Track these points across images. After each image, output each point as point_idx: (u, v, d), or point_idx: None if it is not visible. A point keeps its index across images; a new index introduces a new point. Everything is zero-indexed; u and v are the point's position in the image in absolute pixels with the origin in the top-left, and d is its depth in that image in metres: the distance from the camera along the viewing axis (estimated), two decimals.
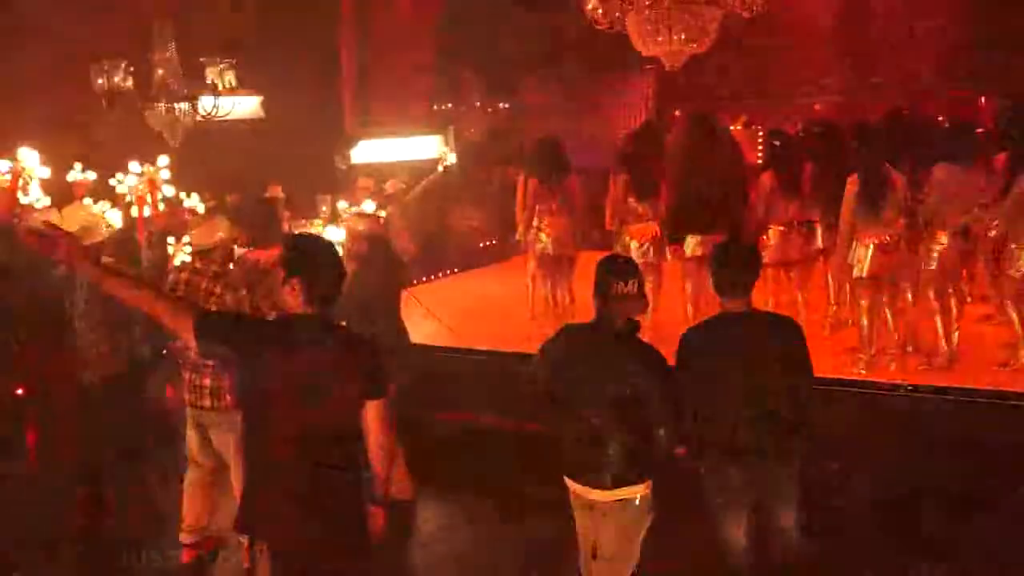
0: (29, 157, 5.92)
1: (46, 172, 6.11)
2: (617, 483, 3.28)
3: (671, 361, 3.47)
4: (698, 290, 6.50)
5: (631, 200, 6.68)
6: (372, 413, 2.93)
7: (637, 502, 3.30)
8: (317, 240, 3.15)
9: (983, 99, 9.25)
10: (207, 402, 4.33)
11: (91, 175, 6.80)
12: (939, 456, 4.98)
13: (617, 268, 3.34)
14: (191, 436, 4.49)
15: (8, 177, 5.84)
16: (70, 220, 5.94)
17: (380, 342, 4.87)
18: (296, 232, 4.94)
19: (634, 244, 6.70)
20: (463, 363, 6.66)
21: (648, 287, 6.71)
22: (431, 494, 5.34)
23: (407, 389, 4.93)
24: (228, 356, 2.92)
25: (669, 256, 6.86)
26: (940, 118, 6.64)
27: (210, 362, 4.19)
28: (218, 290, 4.27)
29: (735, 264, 3.48)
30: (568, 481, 3.42)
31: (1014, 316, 5.71)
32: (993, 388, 5.50)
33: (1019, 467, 4.76)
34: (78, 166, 7.34)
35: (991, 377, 5.67)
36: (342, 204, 7.69)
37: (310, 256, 2.88)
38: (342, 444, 2.89)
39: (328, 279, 2.88)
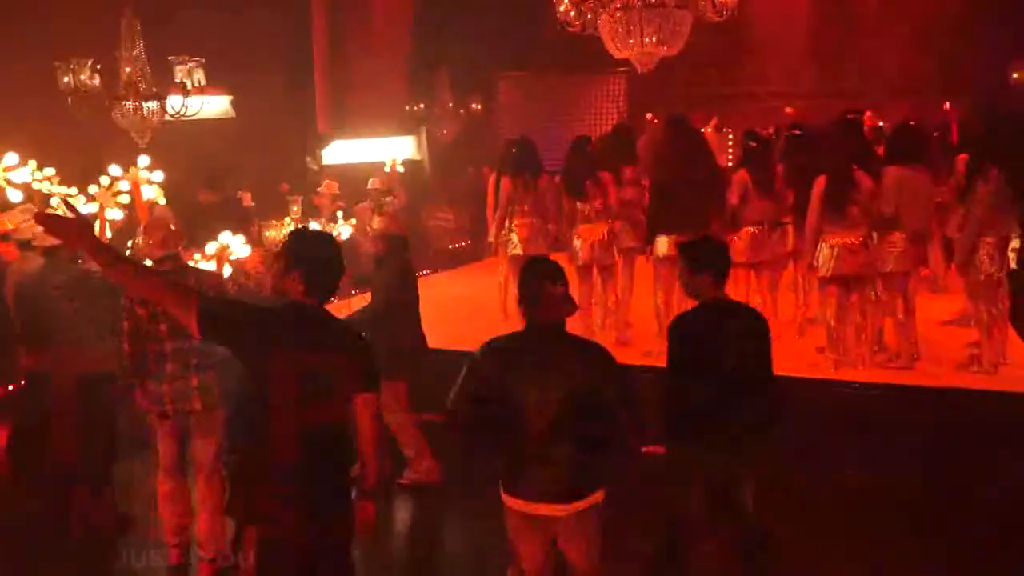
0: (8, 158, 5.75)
1: (25, 175, 5.94)
2: (577, 494, 3.10)
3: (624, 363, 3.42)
4: (669, 291, 6.54)
5: (579, 203, 6.72)
6: (364, 406, 2.93)
7: (599, 508, 3.17)
8: (318, 234, 3.24)
9: (947, 104, 9.41)
10: (196, 404, 4.19)
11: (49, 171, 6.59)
12: (905, 452, 5.07)
13: (545, 271, 3.17)
14: (169, 447, 4.30)
15: None
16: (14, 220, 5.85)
17: (399, 341, 4.93)
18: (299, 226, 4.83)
19: (578, 243, 6.74)
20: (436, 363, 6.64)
21: (600, 287, 6.89)
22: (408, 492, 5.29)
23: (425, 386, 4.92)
24: (230, 341, 2.88)
25: (617, 256, 6.89)
26: (911, 122, 6.74)
27: (195, 359, 4.13)
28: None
29: (712, 258, 3.60)
30: (514, 501, 3.16)
31: (984, 317, 5.82)
32: (957, 386, 5.60)
33: (983, 462, 4.86)
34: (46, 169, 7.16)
35: (956, 376, 5.77)
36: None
37: (311, 249, 2.95)
38: (335, 433, 2.90)
39: (329, 271, 2.93)
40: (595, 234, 6.73)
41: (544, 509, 3.11)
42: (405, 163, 10.37)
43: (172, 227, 4.37)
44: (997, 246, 5.70)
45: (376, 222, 5.28)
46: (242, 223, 6.35)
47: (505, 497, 3.18)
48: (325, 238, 3.19)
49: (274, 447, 2.85)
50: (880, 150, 6.53)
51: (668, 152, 6.59)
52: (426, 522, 5.16)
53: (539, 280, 3.13)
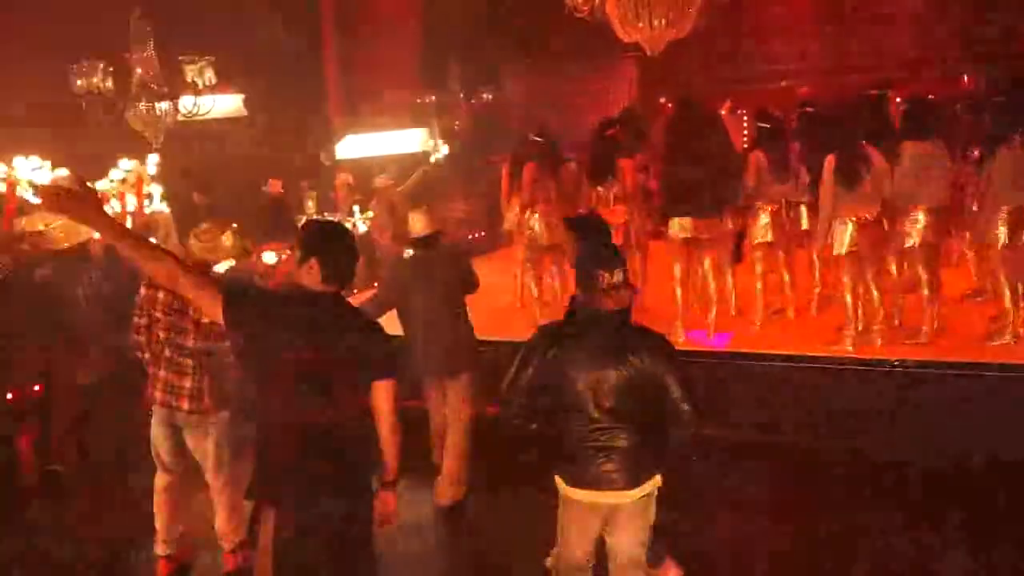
0: (22, 165, 5.78)
1: (44, 177, 5.98)
2: (639, 480, 3.10)
3: None
4: (686, 272, 6.52)
5: (600, 188, 6.71)
6: (382, 394, 2.94)
7: (656, 494, 3.16)
8: (333, 224, 3.32)
9: (966, 77, 9.26)
10: (184, 404, 4.17)
11: (63, 172, 6.65)
12: (928, 429, 5.03)
13: (601, 258, 3.17)
14: (160, 438, 4.27)
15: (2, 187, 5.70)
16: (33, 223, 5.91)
17: (446, 339, 4.91)
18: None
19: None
20: None
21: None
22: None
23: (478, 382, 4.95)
24: (254, 326, 2.87)
25: (633, 239, 6.86)
26: (931, 96, 6.67)
27: (191, 361, 4.14)
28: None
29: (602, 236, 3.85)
30: (577, 491, 3.15)
31: (1004, 289, 5.74)
32: (977, 361, 5.53)
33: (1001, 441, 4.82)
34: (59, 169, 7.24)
35: (976, 351, 5.70)
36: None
37: (327, 238, 2.99)
38: (353, 422, 2.92)
39: (344, 260, 2.97)
40: (613, 219, 6.71)
41: (611, 497, 3.11)
42: (415, 156, 10.36)
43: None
44: (1016, 215, 5.62)
45: (415, 221, 5.09)
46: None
47: (566, 488, 3.16)
48: (338, 226, 3.24)
49: (291, 434, 2.87)
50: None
51: (680, 135, 6.56)
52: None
53: (594, 267, 3.12)
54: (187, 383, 4.17)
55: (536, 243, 7.09)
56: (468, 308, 5.19)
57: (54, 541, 4.91)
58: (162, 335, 4.18)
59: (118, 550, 4.67)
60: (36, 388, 5.73)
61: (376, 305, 5.03)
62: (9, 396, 5.55)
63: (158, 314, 4.16)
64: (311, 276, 2.91)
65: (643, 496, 3.11)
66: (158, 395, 4.21)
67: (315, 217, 5.75)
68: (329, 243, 2.96)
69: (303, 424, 2.85)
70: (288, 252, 5.09)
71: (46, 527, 5.14)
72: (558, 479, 3.19)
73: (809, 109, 6.95)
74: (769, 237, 6.52)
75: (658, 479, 3.15)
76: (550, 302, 7.25)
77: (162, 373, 4.20)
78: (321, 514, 2.86)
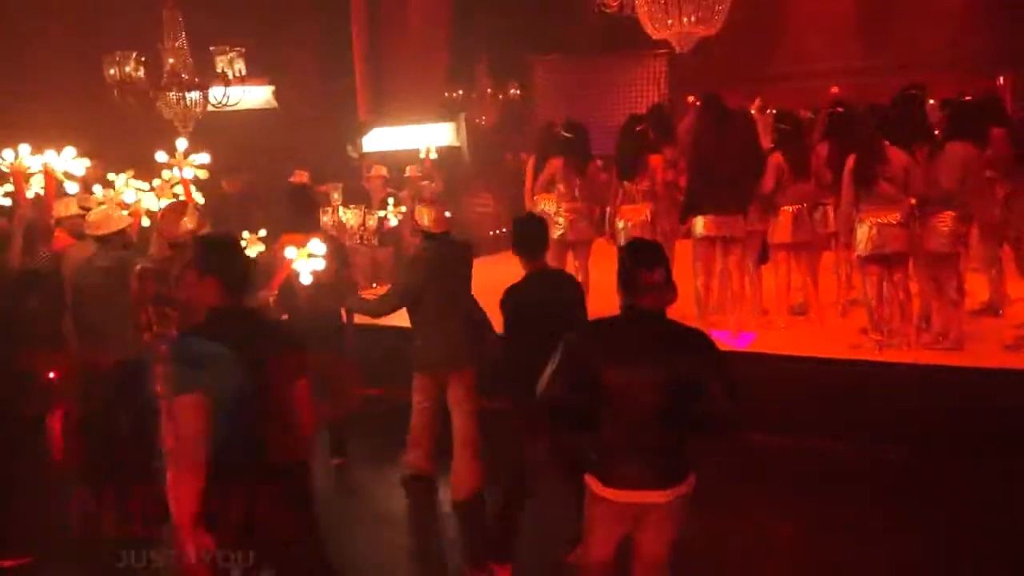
0: (56, 157, 5.85)
1: (79, 167, 6.03)
2: (675, 480, 3.06)
3: None
4: (708, 272, 6.49)
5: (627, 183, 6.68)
6: (303, 391, 2.99)
7: (689, 495, 3.11)
8: (223, 238, 3.36)
9: (1001, 78, 9.13)
10: None
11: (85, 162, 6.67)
12: (952, 433, 4.98)
13: (642, 256, 3.10)
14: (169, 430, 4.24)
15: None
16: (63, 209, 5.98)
17: (453, 333, 4.91)
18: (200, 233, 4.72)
19: (621, 224, 6.71)
20: None
21: None
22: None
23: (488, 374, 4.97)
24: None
25: (657, 237, 6.77)
26: (967, 96, 6.58)
27: None
28: None
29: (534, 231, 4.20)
30: (611, 491, 3.09)
31: None
32: (1008, 367, 5.46)
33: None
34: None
35: (1002, 357, 5.63)
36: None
37: (221, 253, 3.05)
38: (290, 428, 2.97)
39: (241, 272, 3.05)
40: (639, 215, 6.70)
41: (645, 496, 3.07)
42: (442, 150, 10.38)
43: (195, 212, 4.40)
44: None
45: (422, 214, 5.08)
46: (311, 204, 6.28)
47: (599, 488, 3.11)
48: (229, 240, 3.29)
49: (240, 452, 2.85)
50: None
51: (705, 132, 6.53)
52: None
53: (635, 266, 3.06)
54: None
55: (560, 239, 7.08)
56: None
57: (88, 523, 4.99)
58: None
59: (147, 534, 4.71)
60: (58, 374, 5.84)
61: (396, 296, 5.04)
62: (51, 375, 5.66)
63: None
64: (210, 293, 2.96)
65: (676, 498, 3.07)
66: None
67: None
68: (225, 257, 3.02)
69: (253, 446, 2.87)
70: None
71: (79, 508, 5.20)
72: (589, 477, 3.16)
73: (838, 109, 6.87)
74: (792, 238, 6.45)
75: (691, 481, 3.11)
76: None
77: None
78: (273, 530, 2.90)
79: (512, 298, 4.17)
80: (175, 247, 4.30)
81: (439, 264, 4.97)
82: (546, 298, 4.10)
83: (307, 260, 4.82)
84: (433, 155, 9.56)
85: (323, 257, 4.94)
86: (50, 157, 5.64)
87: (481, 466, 4.98)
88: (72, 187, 5.84)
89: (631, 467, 3.05)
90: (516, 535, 4.10)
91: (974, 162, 5.78)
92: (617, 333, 3.12)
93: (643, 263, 3.05)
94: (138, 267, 4.41)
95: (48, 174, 5.41)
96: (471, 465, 4.98)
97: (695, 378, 2.99)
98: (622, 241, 6.66)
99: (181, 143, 5.37)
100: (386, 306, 5.09)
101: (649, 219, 6.71)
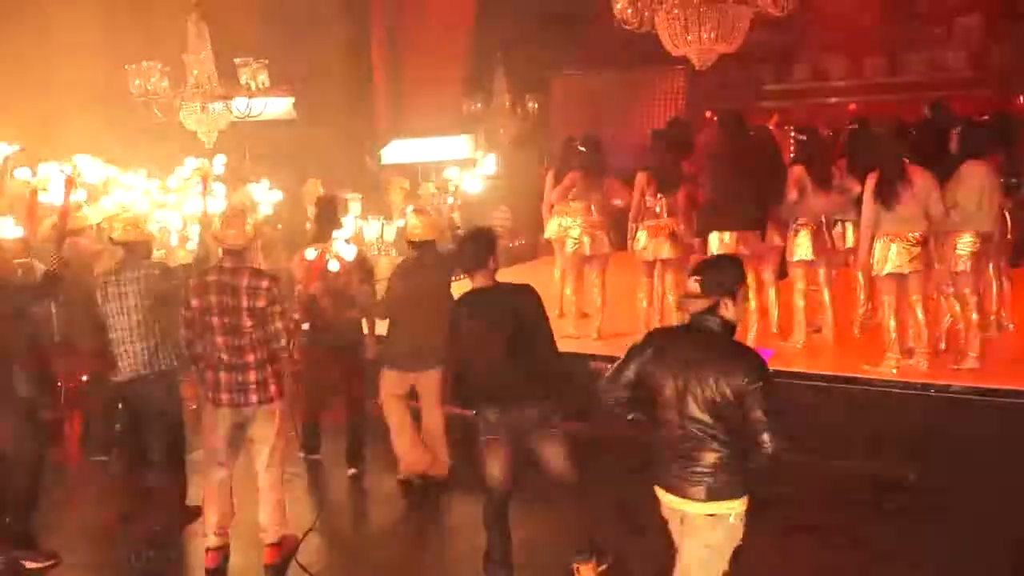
0: (85, 164, 5.90)
1: (99, 171, 6.10)
2: (712, 496, 3.08)
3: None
4: None
5: (648, 196, 6.64)
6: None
7: (732, 519, 3.10)
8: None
9: (1022, 97, 9.09)
10: (253, 398, 4.29)
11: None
12: (969, 455, 4.93)
13: (693, 268, 3.24)
14: (222, 438, 4.37)
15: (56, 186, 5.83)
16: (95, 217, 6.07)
17: (429, 337, 4.97)
18: None
19: (644, 238, 6.67)
20: None
21: (661, 284, 6.83)
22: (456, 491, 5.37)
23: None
24: None
25: (674, 253, 6.70)
26: (985, 116, 6.57)
27: (252, 357, 4.25)
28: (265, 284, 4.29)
29: (480, 244, 4.20)
30: (658, 491, 3.23)
31: None
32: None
33: None
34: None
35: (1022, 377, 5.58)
36: None
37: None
38: None
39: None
40: (662, 230, 6.65)
41: (680, 503, 3.14)
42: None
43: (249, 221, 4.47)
44: None
45: (415, 224, 5.30)
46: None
47: (656, 490, 3.24)
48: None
49: None
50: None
51: (723, 149, 6.53)
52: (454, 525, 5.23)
53: (688, 275, 3.21)
54: (252, 376, 4.28)
55: (577, 254, 7.09)
56: None
57: (101, 529, 5.05)
58: (218, 339, 4.26)
59: (161, 540, 4.74)
60: (84, 379, 5.89)
61: (386, 303, 5.32)
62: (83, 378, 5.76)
63: (212, 319, 4.25)
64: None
65: (710, 515, 3.09)
66: (224, 397, 4.30)
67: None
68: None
69: None
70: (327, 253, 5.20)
71: (92, 515, 5.27)
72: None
73: (854, 126, 6.86)
74: (809, 255, 6.43)
75: (736, 504, 3.09)
76: (588, 313, 7.24)
77: (223, 375, 4.28)
78: None
79: (460, 308, 4.26)
80: (233, 253, 4.34)
81: (417, 271, 5.24)
82: (483, 314, 4.13)
83: (333, 259, 4.98)
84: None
85: (345, 266, 5.05)
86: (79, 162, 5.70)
87: (429, 453, 5.31)
88: (81, 193, 5.94)
89: (674, 473, 3.13)
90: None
91: (991, 182, 5.75)
92: (672, 342, 3.23)
93: (691, 273, 3.20)
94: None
95: (68, 181, 5.45)
96: (440, 452, 5.34)
97: (739, 396, 3.01)
98: (649, 256, 6.68)
99: (219, 159, 5.47)
100: (379, 309, 5.41)
101: (673, 234, 6.67)
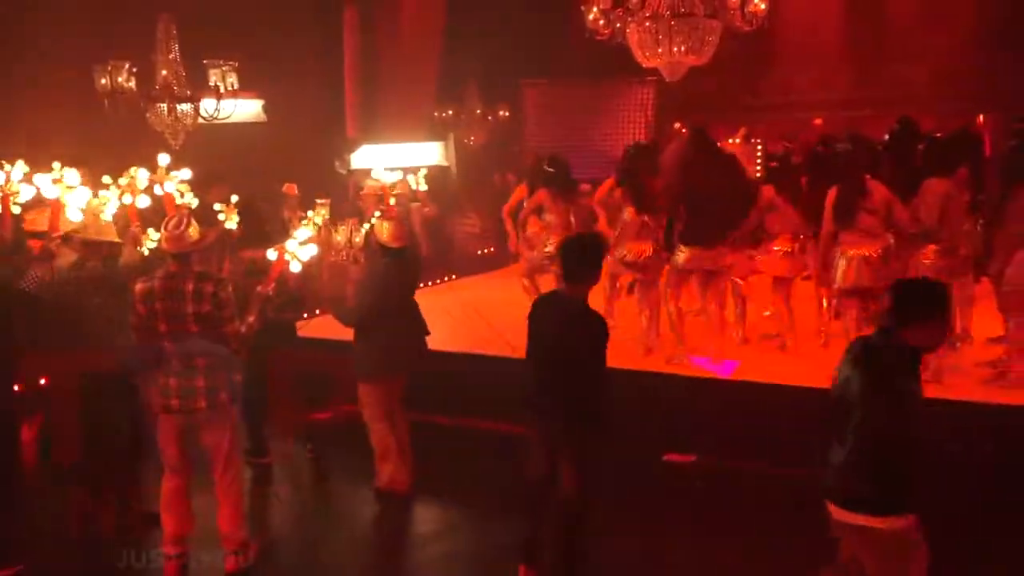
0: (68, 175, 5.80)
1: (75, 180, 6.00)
2: (847, 506, 3.10)
3: None
4: (678, 296, 6.54)
5: (627, 211, 6.69)
6: None
7: (885, 536, 3.06)
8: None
9: (981, 116, 9.31)
10: (203, 403, 4.23)
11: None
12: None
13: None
14: (172, 443, 4.33)
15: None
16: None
17: (403, 340, 5.16)
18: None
19: (623, 254, 6.68)
20: (456, 365, 6.71)
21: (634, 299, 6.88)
22: (427, 495, 5.38)
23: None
24: None
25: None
26: (950, 133, 6.73)
27: (201, 361, 4.20)
28: (209, 288, 4.21)
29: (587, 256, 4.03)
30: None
31: (1010, 327, 5.73)
32: (984, 401, 5.52)
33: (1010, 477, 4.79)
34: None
35: (983, 390, 5.69)
36: None
37: None
38: None
39: None
40: (642, 249, 6.67)
41: (829, 506, 3.19)
42: (432, 168, 10.46)
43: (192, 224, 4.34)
44: None
45: (382, 228, 5.31)
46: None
47: None
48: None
49: None
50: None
51: (691, 165, 6.60)
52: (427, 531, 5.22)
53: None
54: (200, 383, 4.22)
55: (546, 268, 7.21)
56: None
57: (58, 536, 4.94)
58: (166, 344, 4.20)
59: (120, 548, 4.65)
60: (41, 382, 5.79)
61: (359, 309, 5.28)
62: (16, 388, 5.61)
63: (160, 325, 4.18)
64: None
65: (855, 525, 3.10)
66: (174, 403, 4.23)
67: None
68: None
69: None
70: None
71: (47, 522, 5.16)
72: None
73: (820, 148, 6.99)
74: (784, 272, 6.54)
75: (881, 522, 3.05)
76: None
77: (173, 381, 4.22)
78: None
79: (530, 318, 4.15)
80: (178, 258, 4.25)
81: (395, 279, 5.28)
82: (545, 322, 4.05)
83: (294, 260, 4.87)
84: (423, 186, 9.55)
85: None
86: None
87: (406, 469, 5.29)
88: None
89: (829, 478, 3.20)
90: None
91: (952, 198, 5.86)
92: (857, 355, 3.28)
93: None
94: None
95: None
96: (409, 461, 5.31)
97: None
98: (621, 273, 6.75)
99: (163, 158, 5.35)
100: (352, 317, 5.32)
101: (651, 252, 6.65)
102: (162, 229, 4.30)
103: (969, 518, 4.56)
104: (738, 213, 6.40)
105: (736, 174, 6.70)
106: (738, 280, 6.83)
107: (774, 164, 6.74)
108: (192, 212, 4.83)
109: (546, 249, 7.20)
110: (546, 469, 4.02)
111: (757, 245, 6.63)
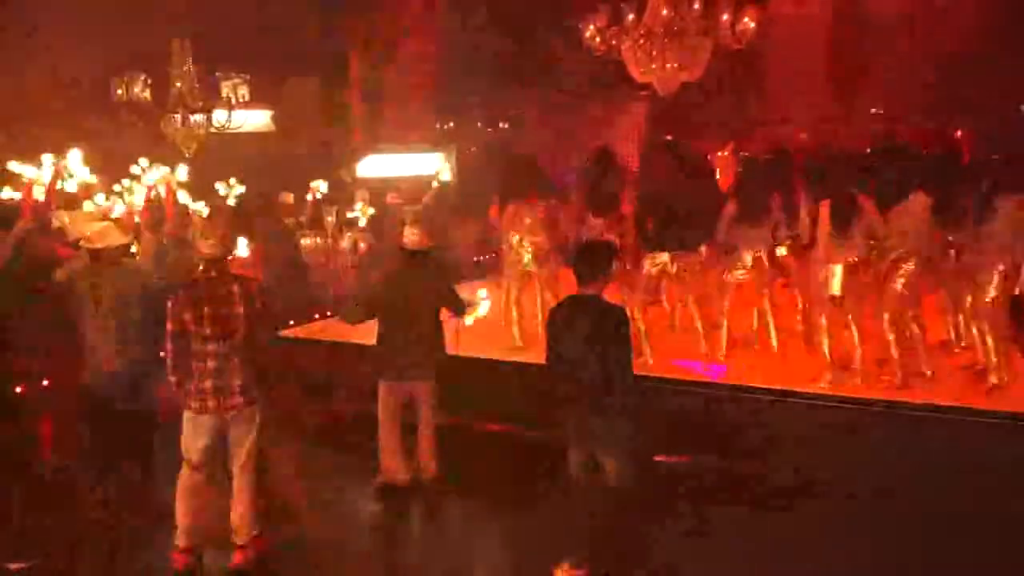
0: (72, 157, 6.12)
1: (85, 172, 6.33)
2: None
3: None
4: (646, 302, 6.79)
5: (589, 217, 6.95)
6: None
7: None
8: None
9: (959, 132, 9.57)
10: (239, 400, 4.36)
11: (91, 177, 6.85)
12: (901, 467, 5.24)
13: None
14: (201, 442, 4.39)
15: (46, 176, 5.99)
16: (76, 224, 6.23)
17: (424, 347, 5.29)
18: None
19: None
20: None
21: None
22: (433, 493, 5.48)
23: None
24: None
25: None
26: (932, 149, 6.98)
27: (237, 359, 4.35)
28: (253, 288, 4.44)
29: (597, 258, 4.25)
30: None
31: (989, 340, 5.94)
32: (955, 404, 5.71)
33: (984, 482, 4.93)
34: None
35: (957, 394, 5.90)
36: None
37: None
38: None
39: None
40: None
41: None
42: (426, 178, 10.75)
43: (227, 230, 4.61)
44: (1009, 271, 5.77)
45: (410, 234, 5.40)
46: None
47: None
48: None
49: None
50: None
51: (659, 173, 6.87)
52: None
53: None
54: (237, 380, 4.37)
55: (526, 271, 7.37)
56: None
57: (69, 531, 4.97)
58: (208, 347, 4.33)
59: (127, 542, 4.78)
60: (44, 383, 6.00)
61: (363, 308, 5.40)
62: (18, 389, 5.85)
63: (205, 329, 4.31)
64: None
65: None
66: (210, 403, 4.36)
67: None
68: None
69: None
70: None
71: (59, 518, 5.17)
72: None
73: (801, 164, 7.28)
74: (744, 276, 6.82)
75: None
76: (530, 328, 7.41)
77: (208, 383, 4.35)
78: None
79: (550, 320, 4.33)
80: (214, 262, 4.42)
81: (407, 281, 5.33)
82: (572, 321, 4.18)
83: None
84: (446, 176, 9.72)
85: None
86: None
87: (412, 464, 5.38)
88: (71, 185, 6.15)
89: None
90: None
91: (932, 213, 6.06)
92: None
93: None
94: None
95: (57, 171, 5.57)
96: (434, 461, 5.40)
97: None
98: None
99: (181, 170, 5.62)
100: (356, 316, 5.43)
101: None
102: (200, 237, 4.50)
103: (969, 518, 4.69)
104: (704, 220, 6.64)
105: (703, 179, 6.95)
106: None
107: (742, 172, 6.99)
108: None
109: (523, 253, 7.27)
110: (589, 467, 4.22)
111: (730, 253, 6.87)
